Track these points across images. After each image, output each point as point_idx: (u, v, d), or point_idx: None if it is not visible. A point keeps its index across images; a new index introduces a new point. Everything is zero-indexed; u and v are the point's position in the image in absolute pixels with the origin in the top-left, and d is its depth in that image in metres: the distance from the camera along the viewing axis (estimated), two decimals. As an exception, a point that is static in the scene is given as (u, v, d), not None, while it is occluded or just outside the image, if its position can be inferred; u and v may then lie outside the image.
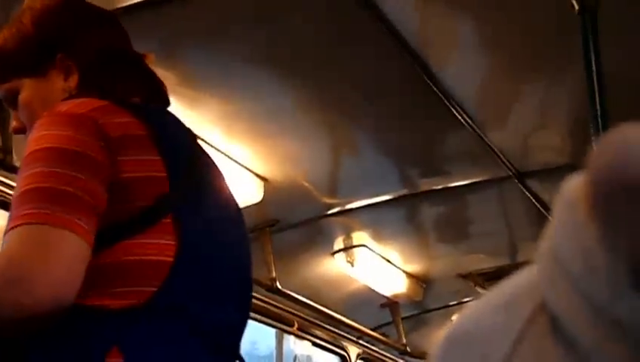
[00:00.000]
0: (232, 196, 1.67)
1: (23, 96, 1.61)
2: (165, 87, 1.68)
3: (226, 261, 1.55)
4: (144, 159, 1.43)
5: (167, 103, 1.68)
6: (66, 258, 1.32)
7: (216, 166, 1.67)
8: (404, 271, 4.69)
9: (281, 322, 4.48)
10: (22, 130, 1.63)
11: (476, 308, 0.56)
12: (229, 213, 1.63)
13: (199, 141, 1.69)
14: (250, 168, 3.38)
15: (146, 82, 1.63)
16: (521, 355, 0.50)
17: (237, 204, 1.68)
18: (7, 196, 2.73)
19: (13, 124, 1.66)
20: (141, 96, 1.59)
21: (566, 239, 0.48)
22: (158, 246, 1.40)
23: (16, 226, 1.33)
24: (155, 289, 1.38)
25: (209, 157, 1.66)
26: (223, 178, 1.67)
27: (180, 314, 1.41)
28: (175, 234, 1.42)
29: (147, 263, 1.39)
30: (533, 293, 0.51)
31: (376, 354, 5.31)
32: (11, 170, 2.66)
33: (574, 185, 0.49)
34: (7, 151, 2.66)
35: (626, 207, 0.43)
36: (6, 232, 1.34)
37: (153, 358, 1.37)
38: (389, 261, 4.54)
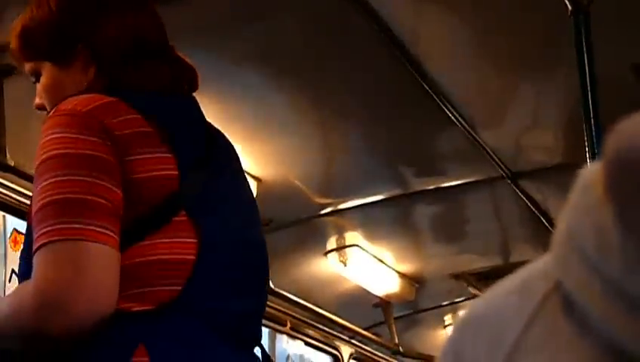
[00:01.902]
0: (248, 186, 1.66)
1: (42, 81, 1.60)
2: (194, 73, 1.65)
3: (244, 254, 1.54)
4: (153, 157, 1.42)
5: (194, 90, 1.64)
6: (96, 270, 1.32)
7: (236, 156, 1.66)
8: (396, 271, 4.69)
9: (274, 321, 4.47)
10: (42, 108, 1.61)
11: (492, 292, 0.57)
12: (246, 205, 1.62)
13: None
14: (244, 168, 3.38)
15: (170, 71, 1.59)
16: (533, 335, 0.50)
17: (252, 194, 1.67)
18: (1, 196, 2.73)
19: (36, 100, 1.64)
20: (163, 86, 1.56)
21: (580, 219, 0.49)
22: (177, 246, 1.39)
23: (40, 247, 1.33)
24: (179, 287, 1.38)
25: (230, 148, 1.64)
26: (241, 168, 1.66)
27: (202, 311, 1.41)
28: (194, 232, 1.41)
29: (167, 262, 1.38)
30: (547, 276, 0.52)
31: (368, 354, 5.31)
32: (5, 169, 2.65)
33: (590, 169, 0.50)
34: (1, 149, 2.64)
35: (639, 186, 0.44)
36: (33, 254, 1.35)
37: (179, 356, 1.37)
38: (381, 261, 4.54)
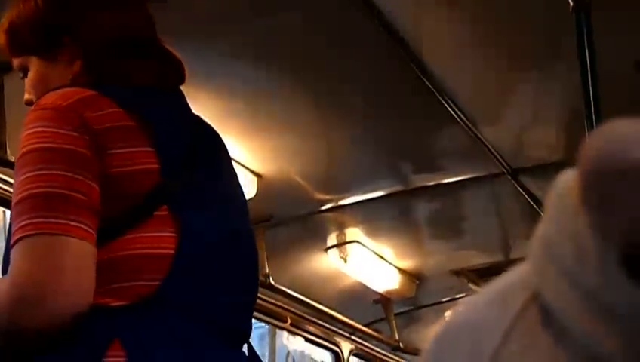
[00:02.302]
0: (237, 182, 1.66)
1: (30, 76, 1.61)
2: (182, 67, 1.64)
3: (230, 249, 1.53)
4: (134, 151, 1.42)
5: (181, 81, 1.64)
6: (72, 265, 1.32)
7: (225, 149, 1.65)
8: (396, 268, 4.69)
9: (274, 318, 4.47)
10: (31, 103, 1.60)
11: (469, 303, 0.56)
12: (234, 200, 1.61)
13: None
14: (244, 164, 3.38)
15: (157, 65, 1.59)
16: (511, 346, 0.50)
17: (242, 190, 1.67)
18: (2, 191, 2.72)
19: (25, 95, 1.64)
20: (149, 81, 1.56)
21: (557, 227, 0.49)
22: (157, 240, 1.39)
23: (17, 241, 1.33)
24: (157, 282, 1.37)
25: (217, 141, 1.64)
26: (231, 162, 1.66)
27: (184, 306, 1.40)
28: (174, 226, 1.41)
29: (146, 257, 1.38)
30: (525, 285, 0.51)
31: (369, 350, 5.31)
32: (6, 164, 2.65)
33: (566, 177, 0.50)
34: (1, 145, 2.64)
35: (615, 193, 0.44)
36: (11, 247, 1.35)
37: (157, 352, 1.36)
38: (381, 257, 4.54)
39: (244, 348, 1.58)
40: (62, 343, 1.34)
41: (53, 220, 1.32)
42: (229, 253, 1.52)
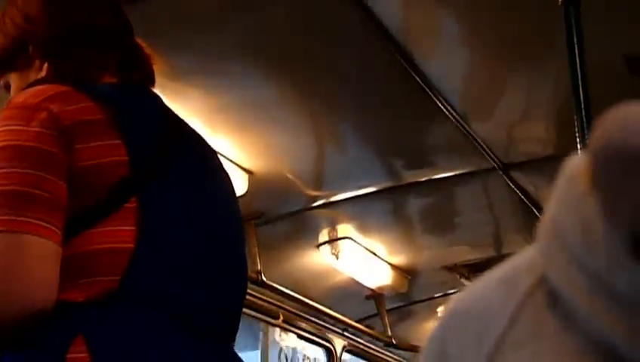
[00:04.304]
0: (222, 175, 1.65)
1: (12, 91, 1.62)
2: (149, 62, 1.65)
3: (207, 242, 1.51)
4: (102, 144, 1.41)
5: (149, 79, 1.64)
6: (34, 264, 1.31)
7: (206, 145, 1.64)
8: (389, 263, 4.69)
9: (267, 315, 4.47)
10: None
11: (476, 286, 0.56)
12: (215, 192, 1.60)
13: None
14: (235, 161, 3.37)
15: (119, 57, 1.60)
16: (517, 330, 0.50)
17: (230, 184, 1.66)
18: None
19: None
20: (116, 74, 1.57)
21: (565, 211, 0.48)
22: (116, 233, 1.38)
23: None
24: (117, 278, 1.36)
25: (195, 137, 1.63)
26: (213, 158, 1.65)
27: (148, 299, 1.39)
28: (138, 220, 1.40)
29: (106, 252, 1.37)
30: (532, 268, 0.51)
31: (361, 346, 5.32)
32: None
33: (575, 161, 0.50)
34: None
35: (624, 178, 0.44)
36: None
37: (120, 346, 1.35)
38: (373, 253, 4.54)
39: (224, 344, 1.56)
40: (25, 340, 1.33)
41: (14, 218, 1.32)
42: (203, 251, 1.50)
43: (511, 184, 3.81)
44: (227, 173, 1.68)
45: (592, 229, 0.46)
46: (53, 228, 1.34)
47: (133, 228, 1.39)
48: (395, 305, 5.23)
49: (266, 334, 5.77)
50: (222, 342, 1.54)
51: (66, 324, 1.33)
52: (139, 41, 1.66)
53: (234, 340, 1.59)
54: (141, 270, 1.39)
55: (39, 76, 1.57)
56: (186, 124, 1.63)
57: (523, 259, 0.54)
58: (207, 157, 1.64)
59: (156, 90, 1.67)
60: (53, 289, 1.32)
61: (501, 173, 3.72)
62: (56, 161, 1.38)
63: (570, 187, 0.49)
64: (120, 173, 1.40)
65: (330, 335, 4.99)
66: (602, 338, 0.45)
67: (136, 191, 1.41)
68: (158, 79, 1.68)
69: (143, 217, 1.40)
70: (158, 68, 1.69)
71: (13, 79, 1.62)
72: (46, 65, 1.58)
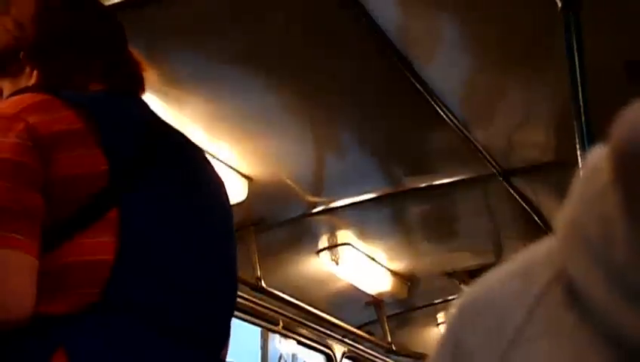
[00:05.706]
0: (214, 183, 1.63)
1: (4, 97, 1.61)
2: (139, 68, 1.63)
3: (191, 252, 1.50)
4: (80, 154, 1.39)
5: (138, 85, 1.62)
6: (9, 277, 1.30)
7: (197, 154, 1.62)
8: (389, 270, 4.69)
9: (266, 321, 4.47)
10: None
11: (491, 277, 0.56)
12: (202, 202, 1.57)
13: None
14: (235, 167, 3.37)
15: (111, 65, 1.59)
16: (534, 325, 0.50)
17: (223, 193, 1.64)
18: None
19: None
20: (103, 81, 1.56)
21: (586, 207, 0.48)
22: (96, 245, 1.36)
23: None
24: (98, 290, 1.34)
25: (185, 146, 1.61)
26: (205, 166, 1.63)
27: (130, 313, 1.38)
28: (118, 231, 1.37)
29: (86, 264, 1.35)
30: (550, 262, 0.51)
31: (361, 353, 5.31)
32: None
33: (596, 156, 0.49)
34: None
35: None
36: None
37: (101, 359, 1.34)
38: (373, 259, 4.54)
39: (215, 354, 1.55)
40: (5, 354, 1.32)
41: None
42: (185, 259, 1.49)
43: (511, 190, 3.81)
44: (221, 181, 1.66)
45: (612, 226, 0.46)
46: (27, 240, 1.32)
47: (113, 239, 1.37)
48: (395, 312, 5.22)
49: (265, 340, 5.76)
50: (206, 349, 1.53)
51: (46, 337, 1.32)
52: (131, 49, 1.65)
53: (223, 348, 1.58)
54: (121, 282, 1.37)
55: (30, 83, 1.56)
56: (175, 132, 1.61)
57: (541, 251, 0.54)
58: (198, 165, 1.62)
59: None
60: (28, 301, 1.31)
61: (501, 179, 3.72)
62: (31, 173, 1.35)
63: (590, 182, 0.49)
64: (99, 183, 1.38)
65: (330, 342, 4.98)
66: (619, 334, 0.45)
67: (116, 202, 1.38)
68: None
69: (122, 228, 1.37)
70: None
71: (6, 85, 1.61)
72: (35, 71, 1.57)
